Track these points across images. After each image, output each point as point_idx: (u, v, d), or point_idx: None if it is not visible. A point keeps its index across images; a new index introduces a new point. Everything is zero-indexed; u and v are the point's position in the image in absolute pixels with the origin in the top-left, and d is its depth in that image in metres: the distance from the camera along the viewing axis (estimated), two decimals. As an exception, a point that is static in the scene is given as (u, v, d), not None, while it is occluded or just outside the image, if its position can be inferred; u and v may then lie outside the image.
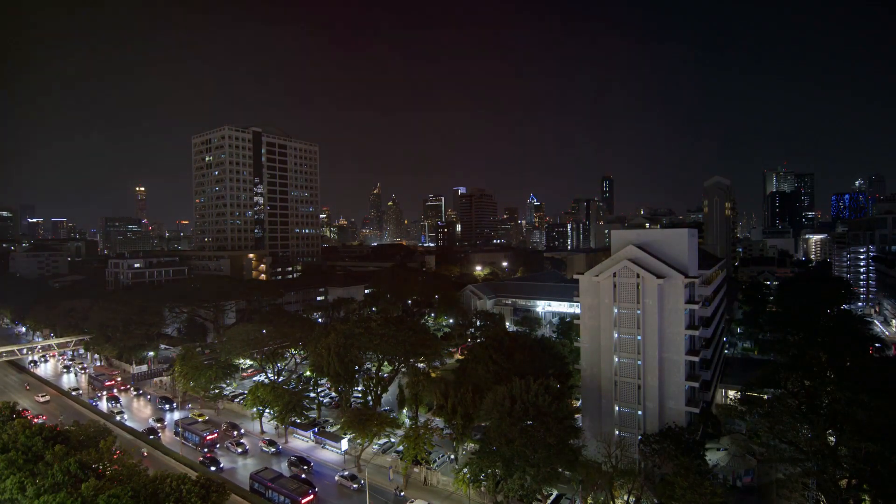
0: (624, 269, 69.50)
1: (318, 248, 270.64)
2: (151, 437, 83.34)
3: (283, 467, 73.17)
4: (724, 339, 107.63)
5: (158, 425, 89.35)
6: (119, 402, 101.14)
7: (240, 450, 78.67)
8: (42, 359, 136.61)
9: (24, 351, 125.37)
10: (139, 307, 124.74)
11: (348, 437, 75.07)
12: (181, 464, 71.45)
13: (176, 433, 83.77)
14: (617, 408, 70.20)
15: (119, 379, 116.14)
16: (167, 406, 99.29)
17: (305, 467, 71.78)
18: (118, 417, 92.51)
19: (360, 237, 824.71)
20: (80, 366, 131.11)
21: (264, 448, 79.01)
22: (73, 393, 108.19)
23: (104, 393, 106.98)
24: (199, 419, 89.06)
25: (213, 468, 71.29)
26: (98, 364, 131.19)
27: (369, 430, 69.46)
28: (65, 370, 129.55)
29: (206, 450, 78.11)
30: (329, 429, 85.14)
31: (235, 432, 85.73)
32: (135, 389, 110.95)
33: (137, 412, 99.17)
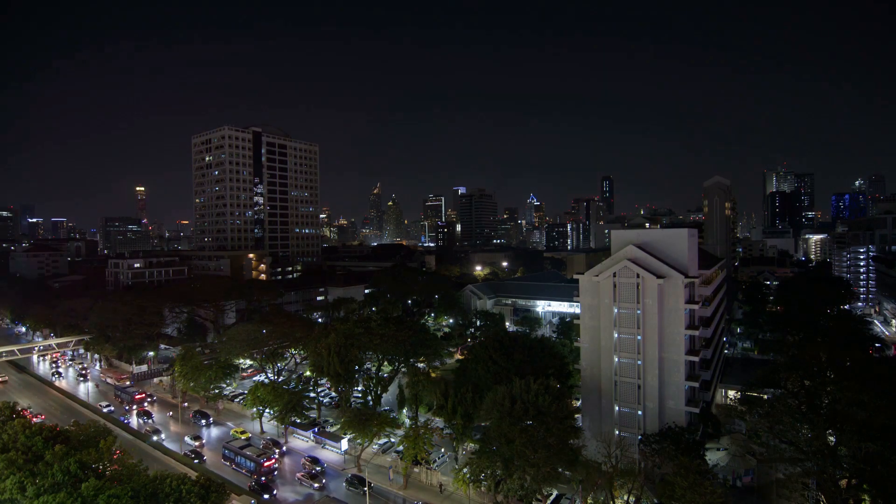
0: (624, 269, 69.52)
1: (318, 248, 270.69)
2: (196, 461, 74.17)
3: (331, 487, 67.45)
4: (724, 339, 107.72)
5: (197, 444, 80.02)
6: (152, 418, 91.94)
7: (316, 484, 66.62)
8: (54, 364, 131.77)
9: (37, 351, 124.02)
10: (139, 307, 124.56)
11: (348, 437, 75.12)
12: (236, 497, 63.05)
13: (225, 457, 74.41)
14: (617, 408, 70.21)
15: (133, 389, 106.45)
16: (203, 421, 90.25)
17: (366, 489, 64.09)
18: (154, 438, 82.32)
19: (360, 237, 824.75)
20: (78, 365, 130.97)
21: (307, 467, 72.46)
22: (105, 409, 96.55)
23: (134, 407, 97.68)
24: (243, 437, 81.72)
25: (265, 496, 64.23)
26: (99, 366, 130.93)
27: (369, 430, 69.49)
28: (81, 379, 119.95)
29: (262, 478, 67.87)
30: (329, 429, 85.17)
31: (277, 450, 76.66)
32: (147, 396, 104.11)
33: (170, 428, 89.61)
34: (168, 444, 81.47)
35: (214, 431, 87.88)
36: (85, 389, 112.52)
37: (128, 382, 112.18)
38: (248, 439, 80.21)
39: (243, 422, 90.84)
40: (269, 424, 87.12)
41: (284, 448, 78.60)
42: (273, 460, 71.35)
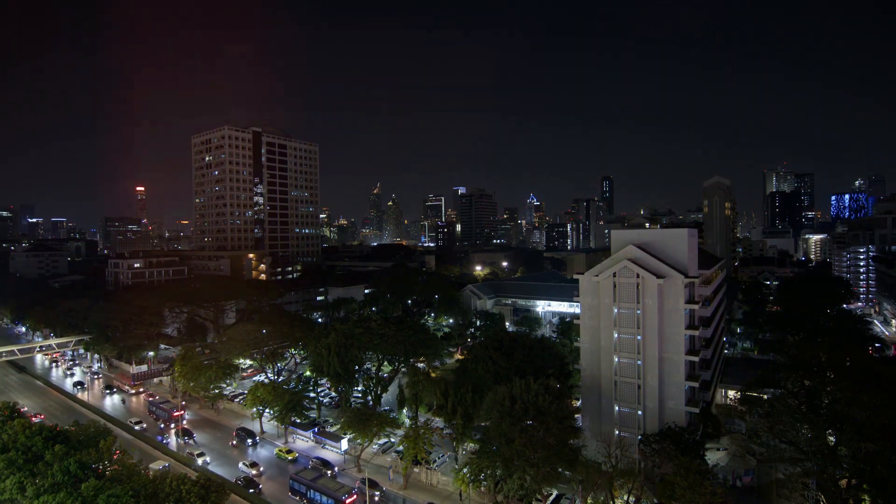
0: (624, 269, 69.50)
1: (318, 248, 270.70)
2: (251, 490, 64.90)
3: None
4: (724, 339, 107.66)
5: (254, 471, 70.27)
6: (193, 438, 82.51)
7: None
8: (69, 371, 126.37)
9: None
10: (139, 307, 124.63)
11: (348, 437, 75.11)
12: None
13: (293, 490, 63.98)
14: (617, 408, 70.19)
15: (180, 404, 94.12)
16: (249, 441, 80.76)
17: None
18: (199, 461, 73.55)
19: (360, 237, 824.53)
20: (86, 367, 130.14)
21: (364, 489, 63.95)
22: (136, 427, 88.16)
23: (172, 425, 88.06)
24: (289, 457, 75.13)
25: None
26: (99, 366, 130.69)
27: (369, 430, 69.49)
28: (108, 392, 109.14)
29: None
30: (329, 429, 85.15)
31: (328, 471, 68.17)
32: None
33: (212, 448, 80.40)
34: (215, 469, 71.71)
35: (262, 452, 79.35)
36: (110, 403, 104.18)
37: (160, 397, 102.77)
38: (294, 459, 75.01)
39: (243, 422, 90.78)
40: (270, 424, 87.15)
41: (337, 470, 69.99)
42: (355, 496, 61.50)
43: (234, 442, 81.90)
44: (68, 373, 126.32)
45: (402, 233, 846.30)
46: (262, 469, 71.78)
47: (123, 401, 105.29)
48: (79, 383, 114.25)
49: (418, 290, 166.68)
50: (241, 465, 72.86)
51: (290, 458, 75.56)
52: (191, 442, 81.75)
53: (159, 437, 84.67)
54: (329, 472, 68.88)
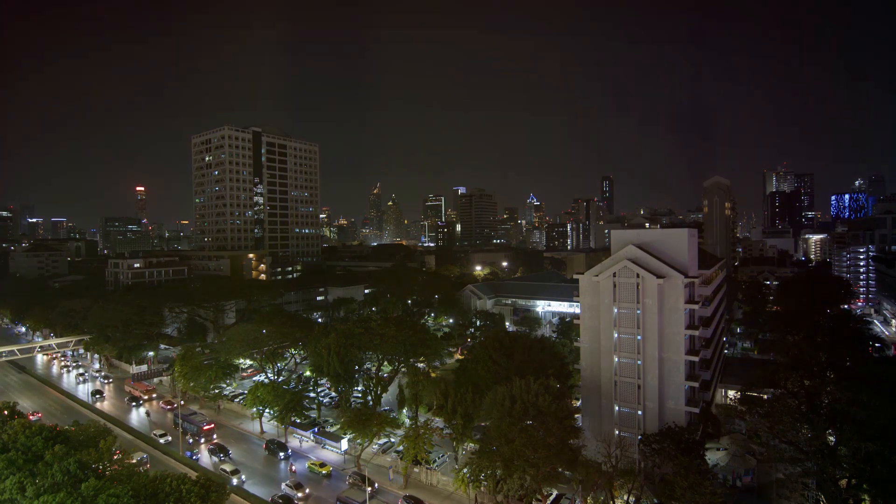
0: (624, 269, 69.48)
1: (318, 248, 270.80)
2: None
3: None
4: (724, 339, 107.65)
5: (300, 494, 64.05)
6: (229, 454, 75.49)
7: None
8: (81, 377, 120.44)
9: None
10: (139, 307, 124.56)
11: (348, 437, 75.12)
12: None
13: None
14: (617, 408, 70.17)
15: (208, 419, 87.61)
16: (281, 455, 75.85)
17: None
18: (235, 480, 67.07)
19: (360, 237, 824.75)
20: (93, 369, 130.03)
21: None
22: (162, 440, 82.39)
23: (202, 439, 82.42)
24: (323, 471, 70.84)
25: None
26: (98, 366, 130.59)
27: (369, 430, 69.49)
28: (133, 404, 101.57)
29: None
30: (329, 429, 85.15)
31: (369, 488, 62.68)
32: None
33: (246, 465, 73.98)
34: (252, 490, 66.65)
35: (295, 466, 74.15)
36: (136, 416, 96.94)
37: (197, 409, 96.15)
38: (329, 473, 70.93)
39: (243, 422, 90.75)
40: (269, 424, 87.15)
41: (377, 486, 64.92)
42: None
43: (293, 467, 73.39)
44: (80, 378, 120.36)
45: (402, 233, 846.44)
46: (308, 491, 65.35)
47: (148, 413, 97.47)
48: (97, 392, 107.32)
49: (418, 290, 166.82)
50: (283, 485, 66.91)
51: (323, 471, 70.96)
52: (226, 459, 74.44)
53: (188, 453, 77.59)
54: (370, 488, 63.22)
